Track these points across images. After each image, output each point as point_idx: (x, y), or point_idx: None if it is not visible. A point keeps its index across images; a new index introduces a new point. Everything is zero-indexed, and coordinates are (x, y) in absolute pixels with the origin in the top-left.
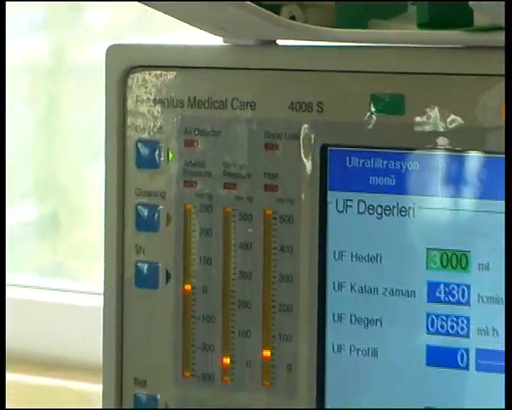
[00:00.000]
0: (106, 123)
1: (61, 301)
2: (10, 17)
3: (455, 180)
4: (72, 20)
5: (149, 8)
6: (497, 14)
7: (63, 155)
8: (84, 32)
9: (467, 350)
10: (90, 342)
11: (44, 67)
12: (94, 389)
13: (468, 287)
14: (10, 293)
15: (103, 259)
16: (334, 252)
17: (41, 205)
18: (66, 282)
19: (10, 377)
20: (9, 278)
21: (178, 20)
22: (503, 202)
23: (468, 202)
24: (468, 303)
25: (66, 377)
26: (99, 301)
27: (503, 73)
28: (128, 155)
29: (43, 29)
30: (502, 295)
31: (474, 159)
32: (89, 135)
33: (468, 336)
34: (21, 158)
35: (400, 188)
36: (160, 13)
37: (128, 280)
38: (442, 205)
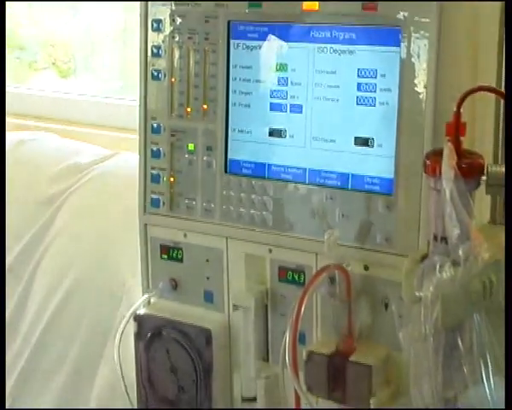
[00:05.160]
0: (140, 29)
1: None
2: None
3: (284, 34)
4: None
5: None
6: None
7: (130, 59)
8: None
9: (286, 104)
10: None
11: (121, 29)
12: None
13: (287, 79)
14: (106, 100)
15: (138, 87)
16: (233, 78)
17: (121, 80)
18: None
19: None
20: None
21: None
22: (310, 43)
23: (287, 44)
24: (286, 85)
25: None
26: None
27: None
28: (149, 39)
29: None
30: (300, 80)
31: (288, 26)
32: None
33: (286, 98)
34: (114, 61)
35: (260, 39)
36: None
37: (149, 77)
38: (275, 46)
